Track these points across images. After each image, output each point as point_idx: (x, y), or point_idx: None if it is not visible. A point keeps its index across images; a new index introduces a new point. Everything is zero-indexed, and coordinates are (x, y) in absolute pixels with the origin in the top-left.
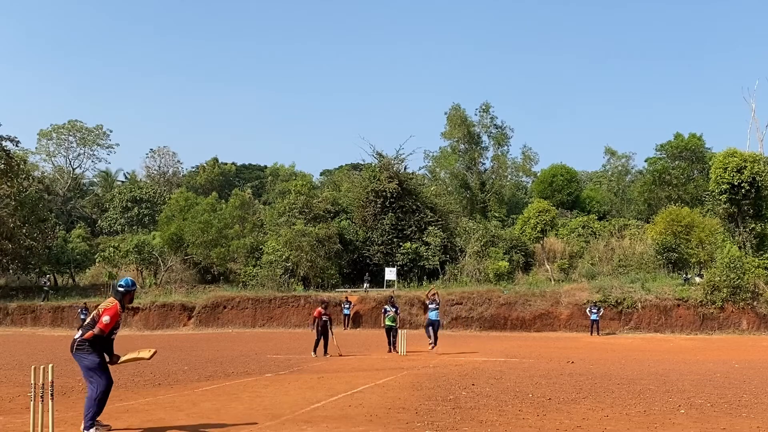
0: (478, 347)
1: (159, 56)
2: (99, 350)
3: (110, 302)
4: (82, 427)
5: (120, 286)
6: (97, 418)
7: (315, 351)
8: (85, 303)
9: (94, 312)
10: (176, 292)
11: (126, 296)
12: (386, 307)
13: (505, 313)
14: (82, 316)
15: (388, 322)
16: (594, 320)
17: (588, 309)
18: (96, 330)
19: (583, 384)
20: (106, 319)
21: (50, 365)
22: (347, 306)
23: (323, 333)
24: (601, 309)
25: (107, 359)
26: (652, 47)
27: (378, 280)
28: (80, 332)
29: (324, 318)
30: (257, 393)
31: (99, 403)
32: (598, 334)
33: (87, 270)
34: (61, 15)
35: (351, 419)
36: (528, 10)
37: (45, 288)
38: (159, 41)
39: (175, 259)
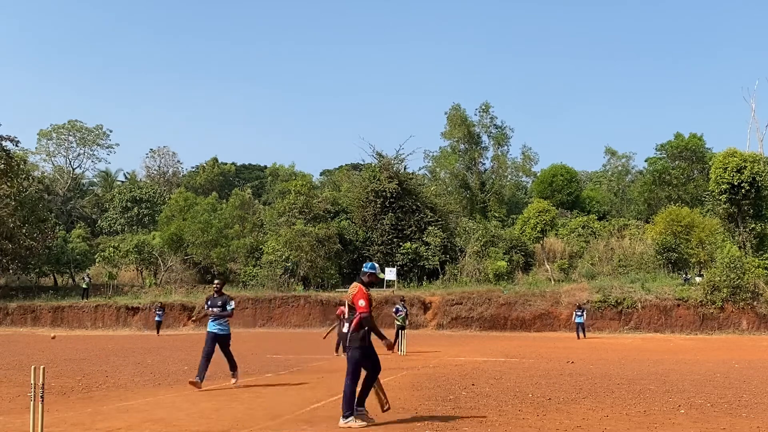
0: (477, 347)
1: (159, 56)
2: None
3: (355, 287)
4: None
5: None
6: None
7: (337, 350)
8: (161, 303)
9: (349, 301)
10: (176, 292)
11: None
12: (398, 306)
13: (505, 313)
14: (158, 318)
15: (399, 322)
16: (579, 323)
17: (573, 313)
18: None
19: (583, 384)
20: (361, 302)
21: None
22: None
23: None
24: (585, 312)
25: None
26: (652, 47)
27: (378, 280)
28: (346, 325)
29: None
30: (257, 393)
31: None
32: (584, 336)
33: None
34: (61, 15)
35: None
36: (528, 10)
37: (85, 286)
38: (159, 41)
39: (175, 259)
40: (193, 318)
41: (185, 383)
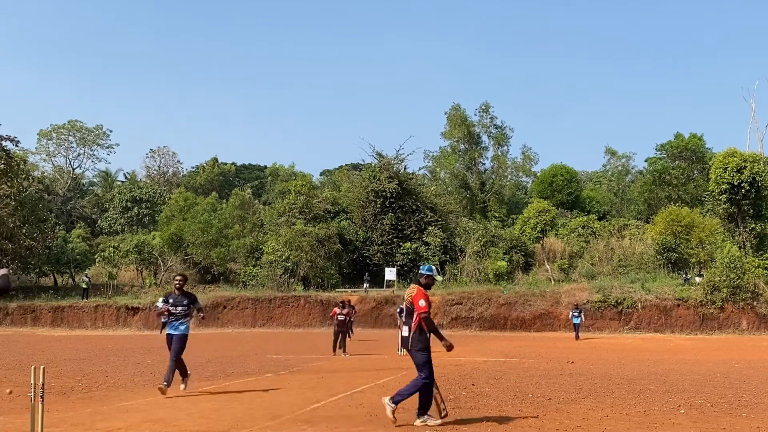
0: (477, 347)
1: (159, 56)
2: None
3: (413, 288)
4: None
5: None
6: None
7: (334, 350)
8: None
9: (407, 303)
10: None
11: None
12: (402, 307)
13: (505, 313)
14: (164, 319)
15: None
16: (576, 324)
17: (570, 312)
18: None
19: (583, 384)
20: (421, 302)
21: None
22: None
23: (339, 331)
24: (582, 312)
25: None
26: (652, 47)
27: (378, 280)
28: (405, 328)
29: (340, 317)
30: (257, 393)
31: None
32: (578, 338)
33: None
34: (61, 15)
35: (351, 419)
36: (528, 10)
37: (85, 286)
38: (159, 41)
39: (175, 259)
40: (158, 312)
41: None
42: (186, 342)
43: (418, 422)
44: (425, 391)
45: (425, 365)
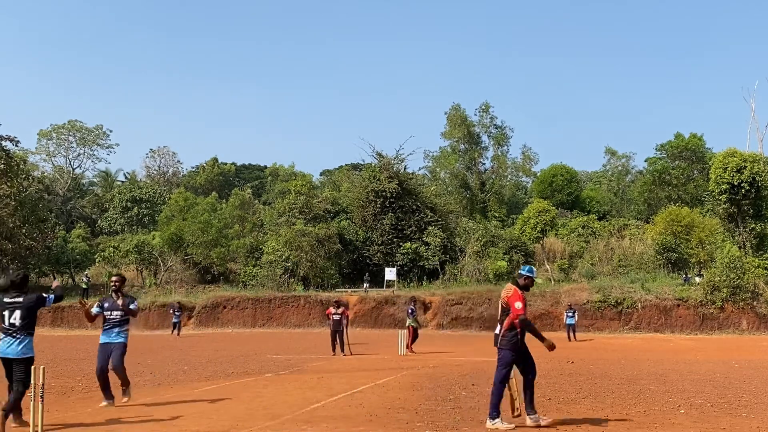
0: (477, 347)
1: (159, 56)
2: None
3: (510, 288)
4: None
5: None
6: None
7: (333, 349)
8: (178, 302)
9: (502, 302)
10: (176, 292)
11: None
12: (412, 307)
13: None
14: (175, 320)
15: (413, 323)
16: (570, 324)
17: (565, 313)
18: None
19: (583, 384)
20: (518, 304)
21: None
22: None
23: (335, 331)
24: (576, 313)
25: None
26: (652, 47)
27: (378, 280)
28: (498, 327)
29: (335, 317)
30: (257, 393)
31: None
32: (574, 338)
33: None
34: (61, 15)
35: (351, 419)
36: (528, 10)
37: (84, 286)
38: (159, 41)
39: (175, 259)
40: (91, 318)
41: (185, 383)
42: (125, 352)
43: (489, 425)
44: (496, 390)
45: (506, 365)
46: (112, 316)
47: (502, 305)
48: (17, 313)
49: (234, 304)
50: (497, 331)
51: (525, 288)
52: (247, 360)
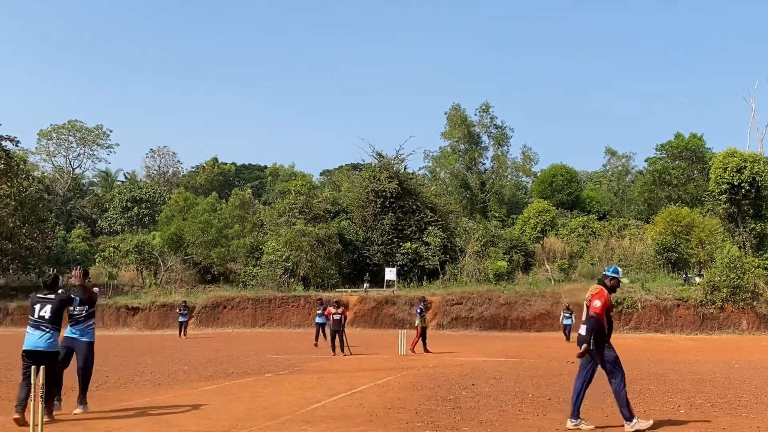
0: (477, 347)
1: (159, 56)
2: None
3: (596, 288)
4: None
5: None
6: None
7: (333, 349)
8: (185, 302)
9: (586, 302)
10: (176, 292)
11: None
12: (421, 307)
13: (505, 313)
14: (182, 319)
15: (422, 323)
16: (566, 325)
17: (562, 313)
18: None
19: None
20: (596, 303)
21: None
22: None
23: (335, 331)
24: (574, 314)
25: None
26: (652, 47)
27: (378, 280)
28: (583, 327)
29: (335, 317)
30: (257, 393)
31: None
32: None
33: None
34: (61, 15)
35: (351, 419)
36: (528, 10)
37: None
38: (159, 41)
39: (175, 259)
40: None
41: (185, 383)
42: (93, 351)
43: (570, 425)
44: (579, 390)
45: (615, 362)
46: (75, 312)
47: (585, 305)
48: (48, 307)
49: (234, 304)
50: (581, 331)
51: (612, 289)
52: (247, 360)
